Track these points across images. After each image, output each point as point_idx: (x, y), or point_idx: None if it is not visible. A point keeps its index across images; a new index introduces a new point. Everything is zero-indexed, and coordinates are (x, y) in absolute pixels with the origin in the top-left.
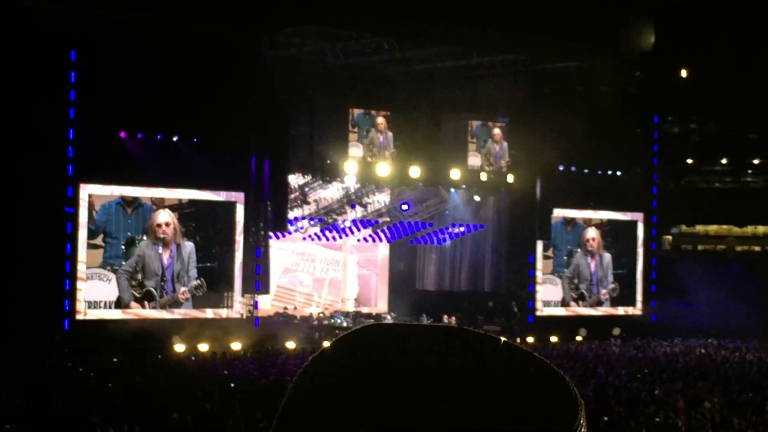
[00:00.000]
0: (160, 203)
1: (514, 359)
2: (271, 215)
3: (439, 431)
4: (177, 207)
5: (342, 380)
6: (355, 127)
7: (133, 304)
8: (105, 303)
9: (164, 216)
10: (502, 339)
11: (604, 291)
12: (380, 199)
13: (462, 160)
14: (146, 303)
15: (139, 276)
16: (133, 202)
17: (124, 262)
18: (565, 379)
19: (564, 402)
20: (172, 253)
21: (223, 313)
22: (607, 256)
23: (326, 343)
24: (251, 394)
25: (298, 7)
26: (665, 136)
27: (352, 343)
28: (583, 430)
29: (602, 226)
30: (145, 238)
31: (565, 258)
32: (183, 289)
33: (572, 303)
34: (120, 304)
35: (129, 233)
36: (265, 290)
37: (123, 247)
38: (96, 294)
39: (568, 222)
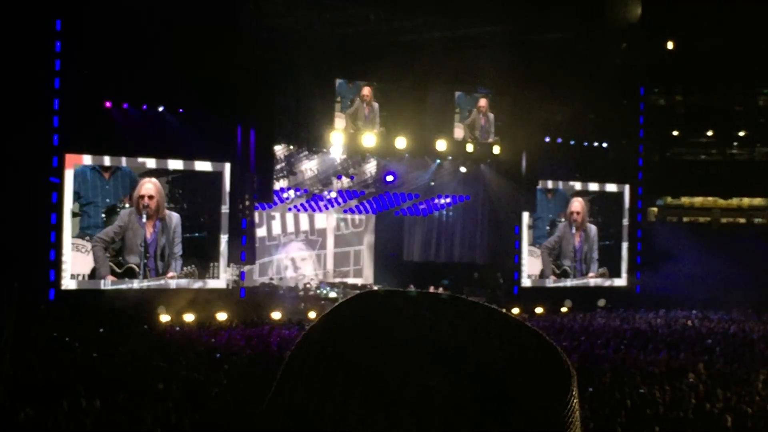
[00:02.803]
0: (143, 169)
1: (507, 329)
2: (257, 186)
3: (432, 402)
4: (163, 172)
5: (336, 351)
6: (338, 96)
7: (111, 278)
8: (82, 276)
9: (148, 187)
10: (495, 308)
11: (591, 273)
12: (366, 170)
13: (448, 132)
14: (127, 280)
15: (118, 247)
16: (110, 167)
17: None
18: (557, 350)
19: (557, 373)
20: (156, 227)
21: (209, 283)
22: (593, 230)
23: (313, 314)
24: (237, 364)
25: None
26: (651, 108)
27: (345, 313)
28: (575, 401)
29: (586, 195)
30: (127, 205)
31: (548, 228)
32: (172, 273)
33: (552, 278)
34: (95, 276)
35: (108, 200)
36: (251, 261)
37: (103, 215)
38: (73, 266)
39: (549, 190)
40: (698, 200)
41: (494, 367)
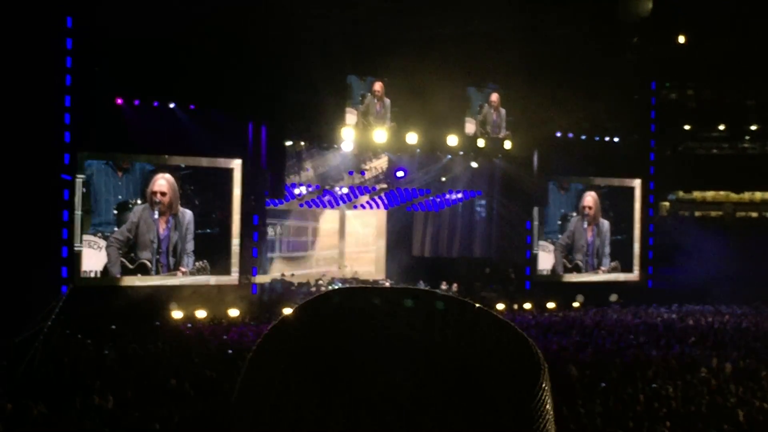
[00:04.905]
0: (155, 165)
1: (478, 322)
2: (268, 182)
3: (396, 399)
4: (175, 169)
5: (299, 348)
6: (349, 90)
7: (125, 278)
8: (95, 272)
9: (161, 183)
10: (468, 301)
11: (603, 268)
12: (378, 166)
13: (459, 127)
14: (140, 276)
15: (132, 243)
16: (122, 164)
17: (116, 229)
18: (528, 342)
19: (526, 366)
20: (169, 223)
21: (221, 280)
22: (605, 225)
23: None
24: None
25: None
26: (663, 102)
27: (313, 310)
28: (544, 394)
29: (598, 189)
30: (139, 202)
31: (559, 223)
32: (183, 269)
33: (564, 274)
34: (106, 275)
35: (120, 197)
36: (263, 257)
37: (115, 211)
38: (86, 263)
39: (561, 185)
40: (710, 194)
41: (464, 360)
